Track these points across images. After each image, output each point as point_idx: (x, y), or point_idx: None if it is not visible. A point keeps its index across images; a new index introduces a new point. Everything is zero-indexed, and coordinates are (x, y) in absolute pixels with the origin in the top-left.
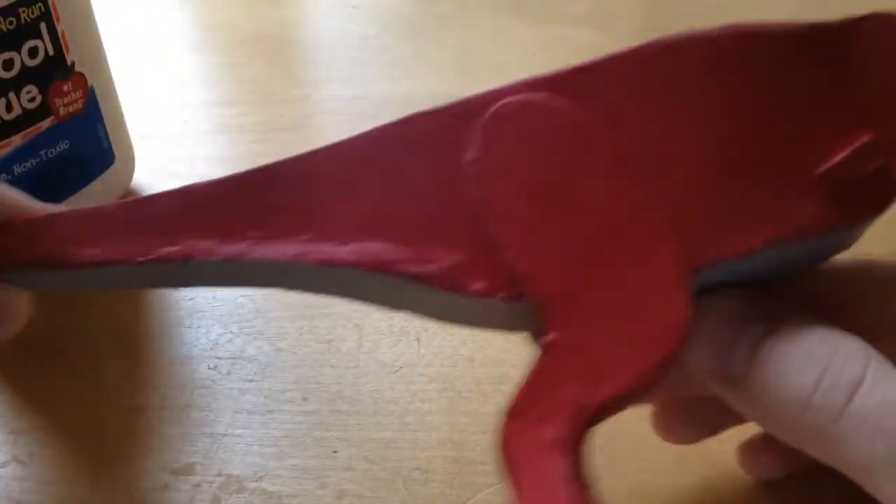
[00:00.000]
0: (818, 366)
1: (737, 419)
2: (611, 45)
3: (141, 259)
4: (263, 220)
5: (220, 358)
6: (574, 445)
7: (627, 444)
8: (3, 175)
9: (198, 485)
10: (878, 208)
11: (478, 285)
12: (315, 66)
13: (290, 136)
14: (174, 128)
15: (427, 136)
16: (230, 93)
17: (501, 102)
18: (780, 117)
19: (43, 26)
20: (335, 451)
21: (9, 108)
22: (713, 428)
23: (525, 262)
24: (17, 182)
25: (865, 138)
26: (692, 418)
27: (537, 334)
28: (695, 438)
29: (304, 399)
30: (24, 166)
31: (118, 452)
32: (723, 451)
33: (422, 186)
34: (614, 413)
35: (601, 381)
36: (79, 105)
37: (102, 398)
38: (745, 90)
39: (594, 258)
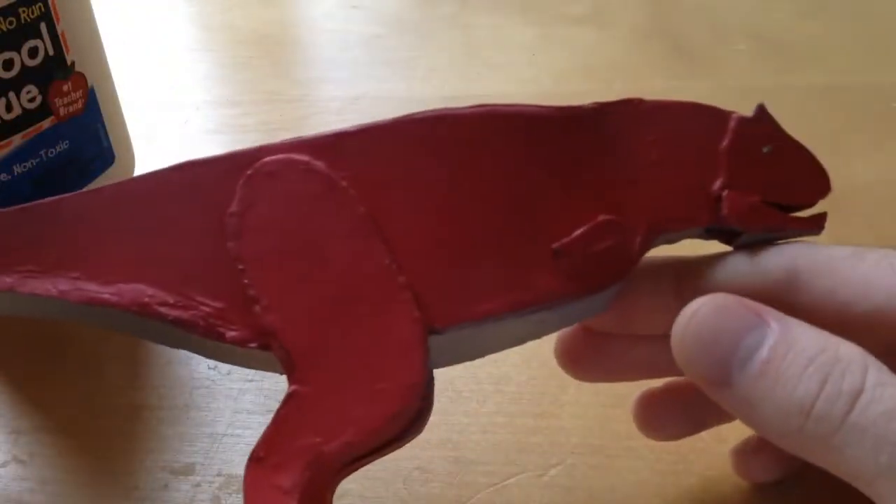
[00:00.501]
0: (818, 375)
1: (724, 417)
2: (611, 45)
3: None
4: (36, 254)
5: None
6: (309, 493)
7: (627, 443)
8: (3, 175)
9: (198, 485)
10: (613, 279)
11: (233, 334)
12: (315, 66)
13: (291, 136)
14: (174, 128)
15: (199, 184)
16: (230, 93)
17: (263, 160)
18: (524, 195)
19: (43, 26)
20: None
21: (9, 108)
22: (697, 425)
23: (272, 316)
24: (17, 182)
25: (601, 218)
26: (675, 414)
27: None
28: (678, 435)
29: None
30: (24, 166)
31: (118, 452)
32: (723, 451)
33: (189, 234)
34: (353, 462)
35: (335, 433)
36: (79, 105)
37: (102, 398)
38: (492, 167)
39: (336, 316)
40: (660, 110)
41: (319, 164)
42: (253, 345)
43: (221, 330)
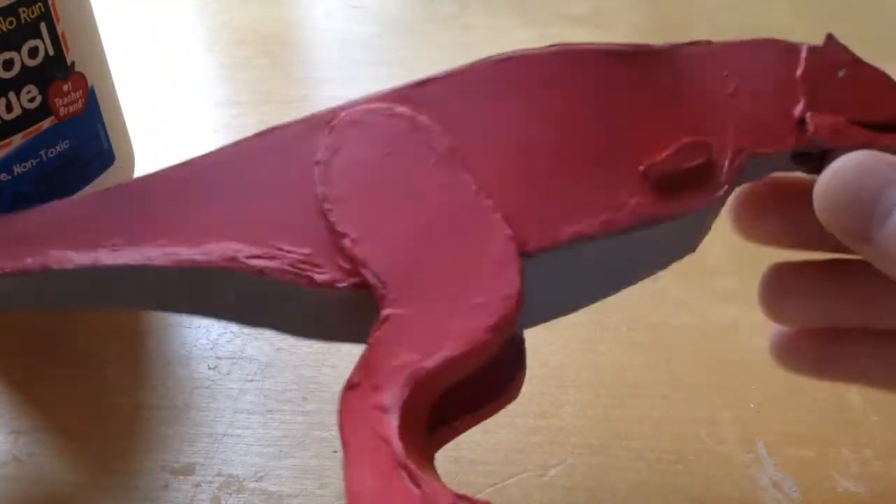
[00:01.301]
0: None
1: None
2: None
3: (0, 273)
4: (122, 229)
5: (220, 358)
6: (407, 410)
7: (627, 443)
8: (3, 175)
9: (198, 485)
10: (704, 199)
11: (322, 277)
12: (315, 66)
13: None
14: (174, 128)
15: (281, 144)
16: (230, 93)
17: (347, 111)
18: (608, 124)
19: (43, 26)
20: (335, 451)
21: (9, 108)
22: (831, 366)
23: (362, 247)
24: (17, 182)
25: (686, 139)
26: (815, 348)
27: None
28: (811, 369)
29: (304, 399)
30: (24, 166)
31: (118, 452)
32: (723, 451)
33: (274, 189)
34: (449, 380)
35: (433, 348)
36: (79, 105)
37: (102, 398)
38: (574, 99)
39: (427, 241)
40: (730, 47)
41: (402, 108)
42: (342, 284)
43: (309, 274)
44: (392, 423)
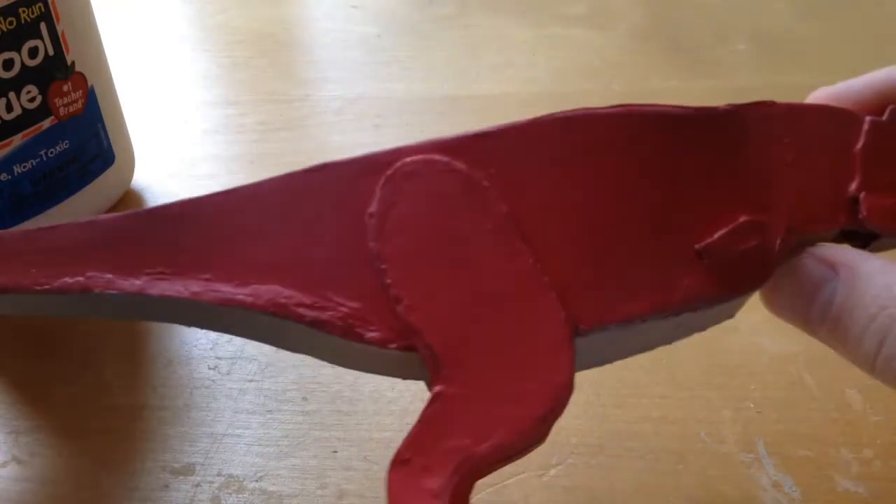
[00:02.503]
0: (877, 334)
1: None
2: (610, 45)
3: (39, 288)
4: (166, 257)
5: (220, 358)
6: (457, 496)
7: (627, 443)
8: (3, 175)
9: (198, 485)
10: (754, 283)
11: (372, 335)
12: (315, 66)
13: (290, 135)
14: (174, 128)
15: (334, 186)
16: (230, 93)
17: (403, 161)
18: (666, 194)
19: (43, 26)
20: (335, 451)
21: (9, 108)
22: None
23: (417, 314)
24: (17, 182)
25: (743, 219)
26: None
27: (429, 385)
28: None
29: (304, 399)
30: (24, 166)
31: (118, 452)
32: (723, 451)
33: (325, 234)
34: (498, 466)
35: (485, 434)
36: (79, 105)
37: (102, 398)
38: (633, 167)
39: (480, 315)
40: (793, 112)
41: (460, 164)
42: (393, 346)
43: (360, 330)
44: None
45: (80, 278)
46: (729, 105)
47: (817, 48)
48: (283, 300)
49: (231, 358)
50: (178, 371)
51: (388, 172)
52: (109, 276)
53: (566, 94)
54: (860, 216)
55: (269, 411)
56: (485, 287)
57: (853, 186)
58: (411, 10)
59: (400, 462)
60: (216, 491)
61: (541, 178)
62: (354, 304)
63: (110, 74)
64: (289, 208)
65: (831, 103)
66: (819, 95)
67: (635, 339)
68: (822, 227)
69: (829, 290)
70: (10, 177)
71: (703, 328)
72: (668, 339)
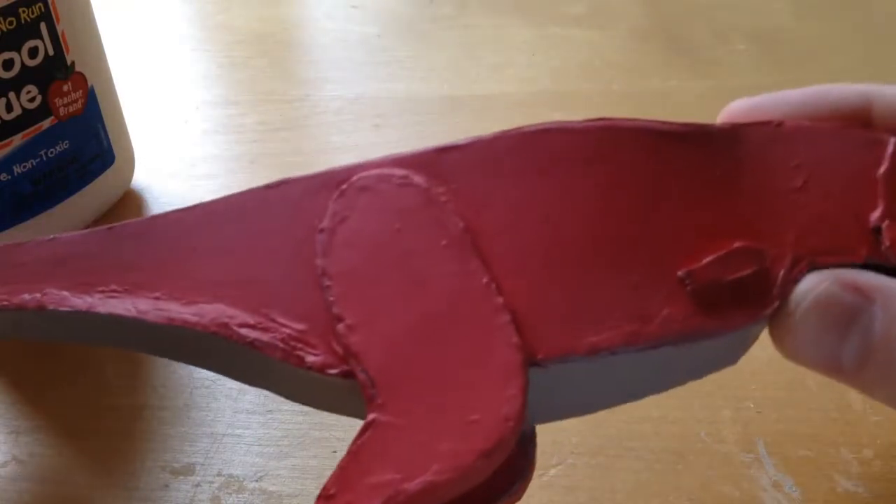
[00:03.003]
0: None
1: None
2: (610, 44)
3: None
4: (119, 275)
5: None
6: None
7: (627, 443)
8: (3, 175)
9: (198, 485)
10: (749, 318)
11: (313, 359)
12: (315, 66)
13: (290, 135)
14: (174, 128)
15: (289, 202)
16: (230, 93)
17: (358, 175)
18: (648, 215)
19: (43, 26)
20: (335, 451)
21: (9, 108)
22: None
23: (356, 335)
24: (17, 182)
25: (737, 244)
26: None
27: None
28: None
29: None
30: (24, 166)
31: (118, 452)
32: (723, 451)
33: (275, 252)
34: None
35: (417, 468)
36: (79, 105)
37: (102, 398)
38: (609, 184)
39: (426, 338)
40: (803, 132)
41: (418, 179)
42: (333, 371)
43: (300, 354)
44: None
45: (38, 295)
46: (727, 124)
47: (817, 48)
48: (226, 319)
49: None
50: (178, 371)
51: (343, 187)
52: (64, 293)
53: (566, 94)
54: (883, 247)
55: (269, 411)
56: (433, 308)
57: (876, 215)
58: (411, 10)
59: (324, 497)
60: (216, 491)
61: (505, 194)
62: (298, 326)
63: (110, 74)
64: (242, 225)
65: (750, 114)
66: (737, 106)
67: (610, 381)
68: (838, 258)
69: (865, 320)
70: (10, 177)
71: (699, 374)
72: (656, 386)
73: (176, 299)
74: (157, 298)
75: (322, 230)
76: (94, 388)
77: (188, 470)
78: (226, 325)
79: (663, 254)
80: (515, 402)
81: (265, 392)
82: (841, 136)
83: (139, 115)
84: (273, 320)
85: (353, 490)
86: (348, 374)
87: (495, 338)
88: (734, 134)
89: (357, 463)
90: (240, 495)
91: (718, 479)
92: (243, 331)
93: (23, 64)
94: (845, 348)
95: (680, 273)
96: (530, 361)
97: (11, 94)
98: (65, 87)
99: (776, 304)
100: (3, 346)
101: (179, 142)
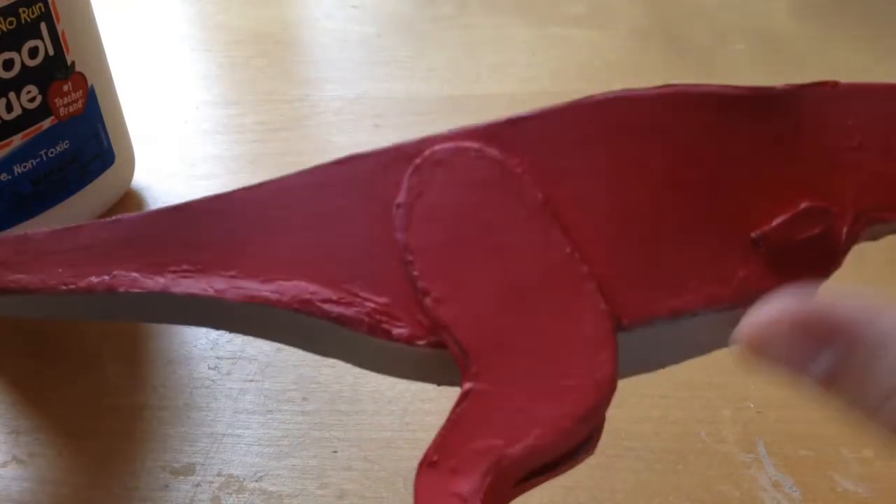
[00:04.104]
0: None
1: None
2: (610, 44)
3: (65, 288)
4: (191, 254)
5: (220, 358)
6: (487, 499)
7: (627, 443)
8: (3, 175)
9: (198, 485)
10: (818, 274)
11: (399, 331)
12: (315, 66)
13: (290, 135)
14: (174, 128)
15: (361, 178)
16: (230, 93)
17: (433, 149)
18: (718, 179)
19: (43, 26)
20: (335, 451)
21: (9, 108)
22: None
23: (445, 308)
24: (17, 182)
25: (804, 205)
26: None
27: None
28: None
29: (304, 399)
30: (24, 166)
31: (118, 452)
32: (723, 451)
33: (352, 228)
34: (532, 466)
35: (519, 433)
36: (79, 105)
37: (102, 398)
38: (679, 150)
39: (514, 308)
40: (859, 92)
41: (492, 151)
42: (421, 342)
43: (387, 326)
44: None
45: (106, 277)
46: (786, 85)
47: (817, 48)
48: (307, 296)
49: (231, 358)
50: (178, 371)
51: (417, 161)
52: (134, 274)
53: (566, 93)
54: None
55: (269, 411)
56: (519, 278)
57: None
58: (411, 10)
59: (427, 465)
60: (216, 491)
61: (579, 164)
62: (382, 300)
63: (110, 74)
64: (314, 202)
65: None
66: None
67: (682, 341)
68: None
69: (826, 357)
70: (10, 177)
71: None
72: (722, 341)
73: (252, 277)
74: (232, 277)
75: (399, 205)
76: (94, 388)
77: (188, 470)
78: (308, 302)
79: (734, 216)
80: (608, 367)
81: (265, 392)
82: (894, 94)
83: (139, 115)
84: (356, 295)
85: (456, 456)
86: (435, 345)
87: (583, 305)
88: (793, 95)
89: (458, 430)
90: (240, 495)
91: (718, 479)
92: (327, 306)
93: (23, 64)
94: (813, 368)
95: (753, 235)
96: (617, 327)
97: (11, 94)
98: (65, 87)
99: (839, 260)
100: (3, 346)
101: (179, 142)
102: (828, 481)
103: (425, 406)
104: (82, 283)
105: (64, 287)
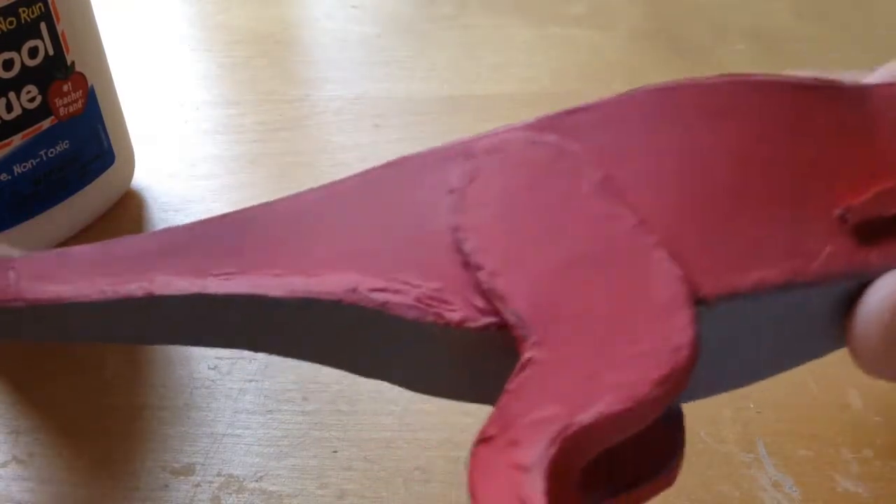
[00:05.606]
0: None
1: None
2: (610, 45)
3: (101, 296)
4: (236, 259)
5: (220, 357)
6: (555, 471)
7: None
8: (3, 175)
9: (198, 485)
10: None
11: (451, 314)
12: (315, 66)
13: (290, 135)
14: (174, 128)
15: (412, 173)
16: (230, 93)
17: (488, 139)
18: (795, 159)
19: (43, 26)
20: (335, 451)
21: (9, 108)
22: None
23: (501, 280)
24: (17, 182)
25: (891, 183)
26: None
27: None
28: None
29: (304, 399)
30: (24, 166)
31: (118, 452)
32: (723, 451)
33: (402, 219)
34: (605, 442)
35: (587, 401)
36: (79, 105)
37: (102, 398)
38: (754, 130)
39: (578, 278)
40: None
41: (549, 137)
42: (476, 323)
43: (438, 310)
44: (537, 484)
45: (145, 283)
46: (853, 83)
47: (817, 48)
48: (354, 284)
49: (231, 358)
50: (178, 371)
51: (471, 149)
52: (174, 278)
53: (566, 93)
54: None
55: (269, 411)
56: (580, 249)
57: None
58: (411, 10)
59: (483, 440)
60: (216, 491)
61: (643, 145)
62: (433, 284)
63: (110, 74)
64: (364, 200)
65: None
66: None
67: (769, 336)
68: None
69: None
70: (10, 177)
71: (834, 339)
72: (799, 356)
73: (297, 274)
74: (276, 275)
75: (452, 190)
76: (94, 388)
77: (188, 470)
78: (354, 290)
79: (815, 194)
80: (687, 332)
81: (265, 392)
82: None
83: (139, 116)
84: (404, 282)
85: (514, 428)
86: (489, 328)
87: (654, 272)
88: (862, 92)
89: (517, 401)
90: (240, 495)
91: (718, 479)
92: (374, 294)
93: (23, 64)
94: None
95: (838, 210)
96: (695, 299)
97: (11, 94)
98: (65, 87)
99: None
100: (3, 346)
101: (179, 142)
102: (828, 481)
103: (425, 406)
104: (121, 291)
105: (101, 296)
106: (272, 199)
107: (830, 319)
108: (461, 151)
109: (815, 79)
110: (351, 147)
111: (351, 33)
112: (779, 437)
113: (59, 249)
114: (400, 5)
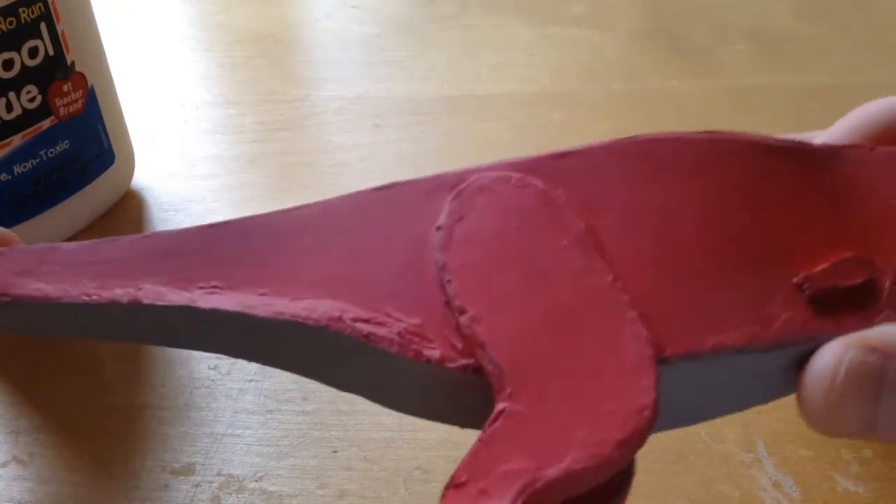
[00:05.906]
0: None
1: None
2: (610, 45)
3: (87, 299)
4: (222, 270)
5: (220, 358)
6: None
7: None
8: (3, 175)
9: (198, 485)
10: (857, 323)
11: (430, 352)
12: (315, 66)
13: (290, 136)
14: (174, 128)
15: (401, 203)
16: (230, 93)
17: (477, 176)
18: (761, 224)
19: (43, 26)
20: (335, 451)
21: (9, 108)
22: None
23: (482, 326)
24: (17, 182)
25: (847, 254)
26: None
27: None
28: None
29: (304, 399)
30: (24, 166)
31: (118, 452)
32: (723, 451)
33: (388, 251)
34: (565, 495)
35: (553, 457)
36: (79, 105)
37: (102, 398)
38: (723, 191)
39: (553, 330)
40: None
41: (535, 181)
42: (453, 364)
43: (418, 347)
44: None
45: (132, 290)
46: (824, 144)
47: (817, 48)
48: (338, 313)
49: (231, 358)
50: (178, 371)
51: (460, 187)
52: (161, 288)
53: (566, 93)
54: None
55: (269, 411)
56: (558, 303)
57: None
58: (411, 10)
59: (455, 486)
60: (216, 491)
61: (623, 199)
62: (414, 320)
63: (110, 74)
64: (351, 224)
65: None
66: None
67: (723, 387)
68: None
69: (892, 377)
70: (10, 177)
71: (785, 391)
72: (761, 397)
73: (283, 295)
74: (263, 294)
75: (439, 227)
76: (94, 388)
77: (188, 470)
78: (339, 319)
79: (777, 261)
80: (650, 394)
81: (265, 392)
82: None
83: (139, 116)
84: (388, 315)
85: (486, 477)
86: (466, 369)
87: (625, 332)
88: (833, 154)
89: (489, 450)
90: (240, 495)
91: (718, 479)
92: (358, 325)
93: (23, 64)
94: (881, 411)
95: (796, 279)
96: (659, 359)
97: (11, 94)
98: (65, 87)
99: (884, 313)
100: (3, 346)
101: (179, 142)
102: (828, 481)
103: None
104: (107, 295)
105: (87, 298)
106: (268, 207)
107: (786, 375)
108: (451, 185)
109: (788, 140)
110: (351, 147)
111: (351, 33)
112: (779, 437)
113: (49, 245)
114: (400, 5)
